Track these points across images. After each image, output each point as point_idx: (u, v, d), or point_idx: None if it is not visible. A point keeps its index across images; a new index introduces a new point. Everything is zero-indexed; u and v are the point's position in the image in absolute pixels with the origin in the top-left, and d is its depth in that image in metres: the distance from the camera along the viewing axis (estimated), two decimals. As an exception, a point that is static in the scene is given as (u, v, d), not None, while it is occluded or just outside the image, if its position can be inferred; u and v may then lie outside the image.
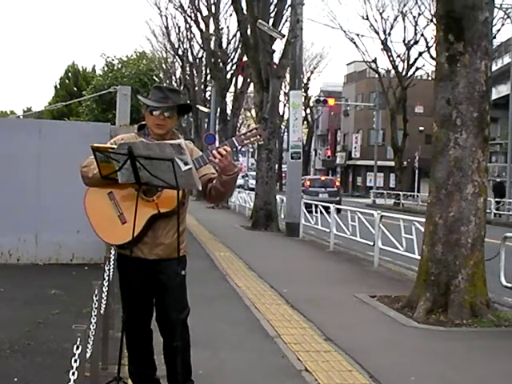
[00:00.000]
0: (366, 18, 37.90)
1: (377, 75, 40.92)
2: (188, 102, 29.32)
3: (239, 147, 3.59)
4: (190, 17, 32.28)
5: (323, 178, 34.38)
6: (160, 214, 3.59)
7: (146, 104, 3.70)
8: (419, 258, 7.69)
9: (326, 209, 14.61)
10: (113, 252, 5.15)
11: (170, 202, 3.54)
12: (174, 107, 3.68)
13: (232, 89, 32.11)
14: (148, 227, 3.61)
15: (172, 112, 3.67)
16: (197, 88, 36.40)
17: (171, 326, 3.62)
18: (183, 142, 3.36)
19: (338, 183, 32.30)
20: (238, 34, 25.91)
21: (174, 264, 3.60)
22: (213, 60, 30.26)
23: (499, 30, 32.37)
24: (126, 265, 3.70)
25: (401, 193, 37.17)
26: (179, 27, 36.52)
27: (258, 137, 3.56)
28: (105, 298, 4.22)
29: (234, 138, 3.58)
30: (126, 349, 3.89)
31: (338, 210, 14.15)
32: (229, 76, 30.92)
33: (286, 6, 18.32)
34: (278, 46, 32.01)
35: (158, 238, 3.65)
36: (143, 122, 3.80)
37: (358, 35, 48.95)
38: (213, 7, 30.34)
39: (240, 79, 30.97)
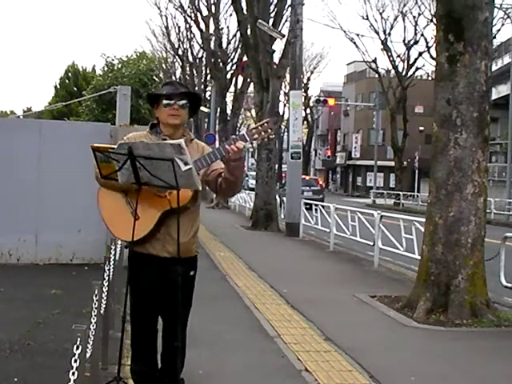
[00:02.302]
0: (366, 18, 38.01)
1: (377, 75, 40.96)
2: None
3: (250, 141, 3.58)
4: (190, 17, 32.31)
5: (307, 177, 35.82)
6: (172, 210, 3.54)
7: (159, 94, 3.71)
8: (419, 258, 7.69)
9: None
10: (113, 252, 5.15)
11: (183, 198, 3.52)
12: (185, 98, 3.69)
13: (232, 89, 32.11)
14: (161, 223, 3.57)
15: (185, 102, 3.69)
16: (197, 88, 36.38)
17: (174, 325, 3.62)
18: (183, 141, 3.34)
19: (321, 182, 36.44)
20: (238, 34, 25.90)
21: (184, 263, 3.60)
22: (213, 60, 30.25)
23: (499, 30, 32.49)
24: (137, 261, 3.68)
25: (401, 193, 37.19)
26: (179, 27, 36.63)
27: (270, 130, 3.55)
28: (105, 297, 4.22)
29: (245, 133, 3.57)
30: (130, 346, 3.86)
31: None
32: (229, 76, 30.89)
33: (286, 6, 18.32)
34: (278, 46, 32.04)
35: (170, 234, 3.60)
36: (154, 121, 3.80)
37: (358, 35, 49.26)
38: (213, 7, 30.33)
39: (240, 79, 30.99)
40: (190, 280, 3.77)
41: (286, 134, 44.64)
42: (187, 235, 3.67)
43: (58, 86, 37.59)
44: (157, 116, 3.76)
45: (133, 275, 3.76)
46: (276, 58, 19.26)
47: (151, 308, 3.76)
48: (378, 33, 37.38)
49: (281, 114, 35.52)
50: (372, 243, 11.16)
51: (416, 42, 37.18)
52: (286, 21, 18.81)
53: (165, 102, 3.66)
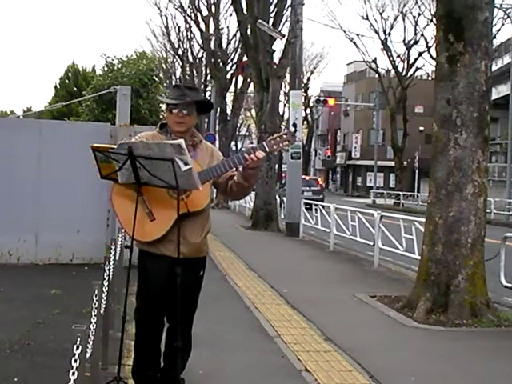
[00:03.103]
0: (366, 18, 38.04)
1: (377, 75, 40.96)
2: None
3: (269, 152, 3.63)
4: (190, 17, 32.35)
5: (307, 177, 35.97)
6: (189, 213, 3.57)
7: (165, 102, 3.76)
8: (419, 258, 7.69)
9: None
10: (113, 252, 5.15)
11: (200, 201, 3.57)
12: (191, 104, 3.69)
13: (232, 89, 32.13)
14: (174, 225, 3.57)
15: (191, 109, 3.69)
16: (197, 88, 36.38)
17: (181, 325, 3.61)
18: (183, 141, 3.34)
19: (321, 182, 36.69)
20: (238, 34, 25.92)
21: (195, 264, 3.66)
22: (213, 60, 30.27)
23: (499, 30, 32.51)
24: (150, 261, 3.68)
25: (401, 193, 37.19)
26: (179, 27, 36.69)
27: (287, 142, 3.61)
28: (105, 297, 4.22)
29: (264, 143, 3.63)
30: (130, 346, 3.86)
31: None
32: (229, 76, 30.92)
33: (286, 6, 18.33)
34: (278, 46, 32.06)
35: (184, 237, 3.59)
36: (164, 121, 3.82)
37: (358, 35, 49.32)
38: (213, 7, 30.37)
39: (240, 79, 31.03)
40: (200, 280, 3.82)
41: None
42: (199, 236, 3.71)
43: (58, 86, 37.55)
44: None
45: (144, 275, 3.75)
46: (276, 58, 19.30)
47: (160, 308, 3.75)
48: (378, 33, 37.45)
49: (281, 113, 35.57)
50: (372, 243, 11.16)
51: (416, 42, 37.22)
52: (286, 21, 18.84)
53: (170, 108, 3.70)
